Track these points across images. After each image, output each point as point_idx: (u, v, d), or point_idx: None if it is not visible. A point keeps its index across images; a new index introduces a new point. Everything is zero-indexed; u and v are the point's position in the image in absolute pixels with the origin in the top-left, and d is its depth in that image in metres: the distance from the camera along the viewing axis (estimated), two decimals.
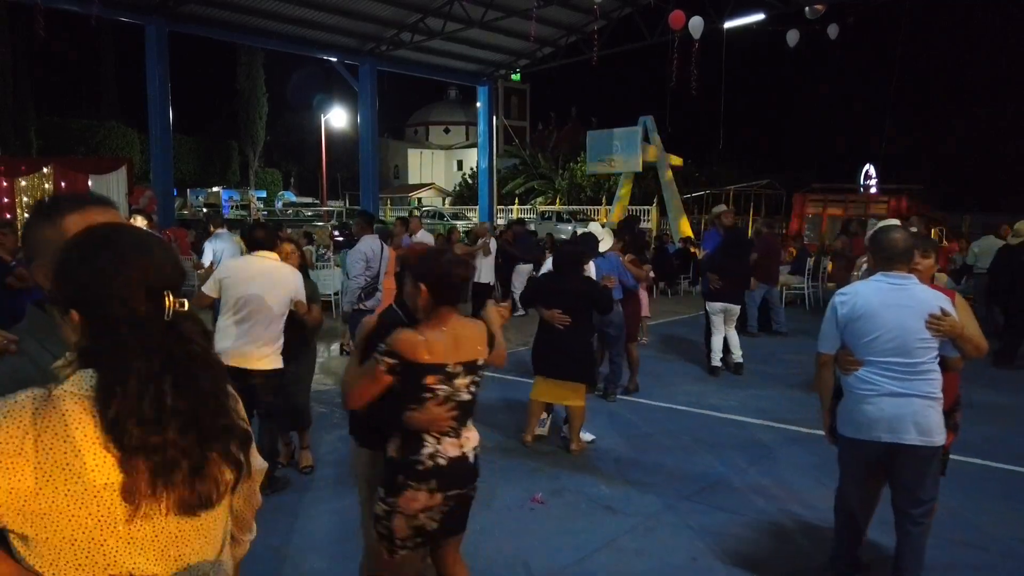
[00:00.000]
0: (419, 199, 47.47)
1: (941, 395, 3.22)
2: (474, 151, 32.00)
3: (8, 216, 12.48)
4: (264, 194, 29.00)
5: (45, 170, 13.65)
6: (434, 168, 55.15)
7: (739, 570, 3.73)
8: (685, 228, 19.77)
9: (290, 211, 31.88)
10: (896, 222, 4.47)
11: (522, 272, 12.26)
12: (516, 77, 25.57)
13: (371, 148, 19.79)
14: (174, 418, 1.14)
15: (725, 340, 8.20)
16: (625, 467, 5.27)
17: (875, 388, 3.22)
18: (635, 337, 7.22)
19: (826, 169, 30.92)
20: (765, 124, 52.00)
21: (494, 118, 22.84)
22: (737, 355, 8.22)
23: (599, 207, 27.72)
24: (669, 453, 5.58)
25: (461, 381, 2.66)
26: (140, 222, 7.42)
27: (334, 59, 18.92)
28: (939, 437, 3.21)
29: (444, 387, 2.61)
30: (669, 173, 20.37)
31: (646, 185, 26.03)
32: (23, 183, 13.39)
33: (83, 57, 34.09)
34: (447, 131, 57.72)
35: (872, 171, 23.16)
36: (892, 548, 3.44)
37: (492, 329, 2.85)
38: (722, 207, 9.14)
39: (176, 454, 1.15)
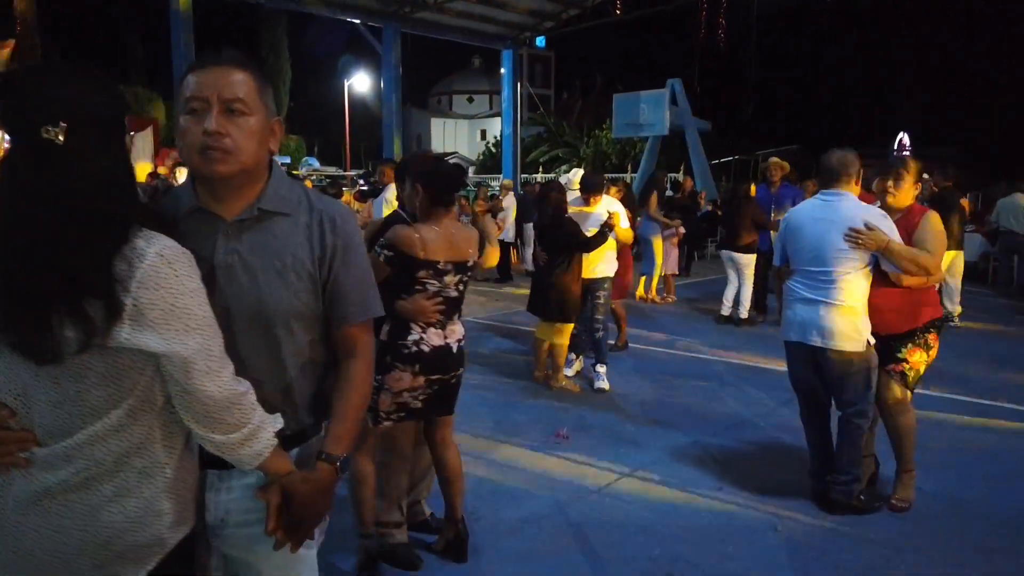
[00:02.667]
0: None
1: (853, 303, 3.39)
2: (498, 120, 31.75)
3: None
4: (288, 160, 29.07)
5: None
6: (457, 137, 54.92)
7: (766, 497, 3.71)
8: (712, 193, 19.53)
9: (314, 176, 31.95)
10: None
11: (528, 230, 12.18)
12: (540, 42, 25.23)
13: (394, 111, 19.71)
14: None
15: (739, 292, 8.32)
16: (650, 408, 5.25)
17: (794, 295, 3.56)
18: (623, 294, 7.16)
19: (858, 138, 30.32)
20: (795, 89, 50.79)
21: (518, 85, 22.57)
22: (741, 310, 8.27)
23: (624, 175, 27.47)
24: (695, 396, 5.56)
25: (450, 279, 2.93)
26: (183, 174, 7.52)
27: (357, 20, 18.79)
28: (844, 343, 3.38)
29: (434, 282, 2.89)
30: (696, 137, 20.08)
31: (673, 151, 25.71)
32: None
33: (108, 23, 34.09)
34: (471, 100, 57.33)
35: (906, 140, 22.66)
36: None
37: (486, 236, 2.99)
38: (773, 159, 8.87)
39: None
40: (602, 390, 5.61)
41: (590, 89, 47.92)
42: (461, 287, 2.99)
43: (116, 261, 1.21)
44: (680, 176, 23.12)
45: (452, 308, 2.96)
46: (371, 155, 41.28)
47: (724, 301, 8.43)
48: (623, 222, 5.71)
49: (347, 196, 15.20)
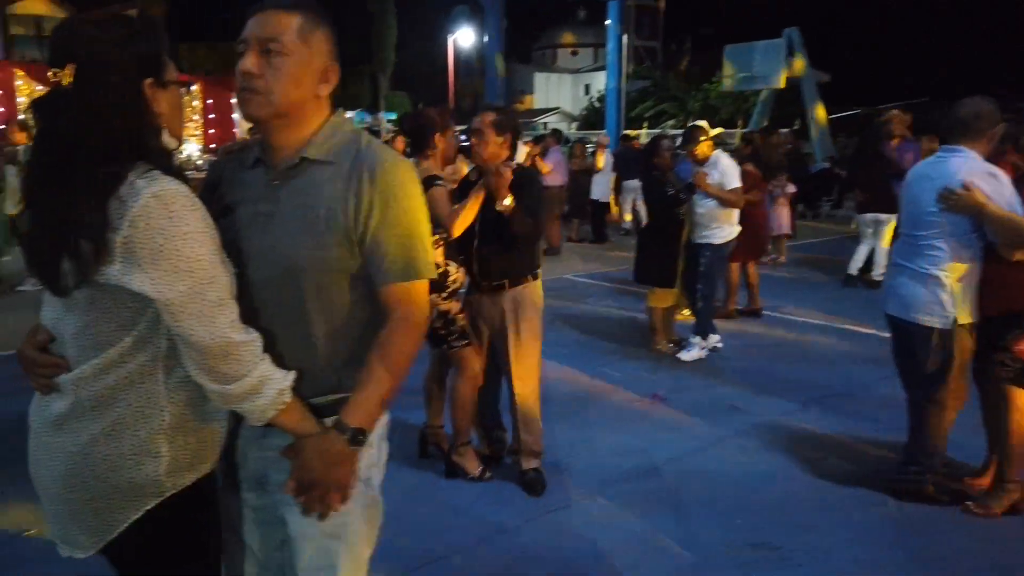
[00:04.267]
0: (544, 123, 46.95)
1: (941, 273, 3.04)
2: (602, 75, 31.00)
3: None
4: (394, 116, 29.58)
5: (193, 88, 14.46)
6: (560, 92, 54.13)
7: (868, 473, 3.52)
8: (829, 149, 18.45)
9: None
10: None
11: (629, 189, 11.84)
12: None
13: (497, 66, 19.61)
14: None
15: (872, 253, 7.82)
16: (751, 374, 5.08)
17: (891, 260, 3.39)
18: (756, 256, 6.81)
19: (999, 88, 27.69)
20: (925, 37, 46.71)
21: (624, 37, 21.91)
22: (876, 272, 7.74)
23: (735, 130, 26.35)
24: (799, 363, 5.34)
25: None
26: None
27: None
28: (923, 317, 3.08)
29: None
30: (813, 90, 18.94)
31: (786, 105, 24.38)
32: None
33: None
34: (575, 54, 56.23)
35: None
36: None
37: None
38: (892, 112, 8.24)
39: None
40: (680, 360, 5.32)
41: (700, 40, 45.93)
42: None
43: (111, 200, 1.23)
44: (786, 133, 22.04)
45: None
46: (474, 111, 41.26)
47: (853, 260, 7.96)
48: (732, 181, 5.26)
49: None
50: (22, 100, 11.35)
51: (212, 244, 1.31)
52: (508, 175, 3.04)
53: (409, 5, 35.92)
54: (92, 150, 1.24)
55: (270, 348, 1.42)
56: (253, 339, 1.35)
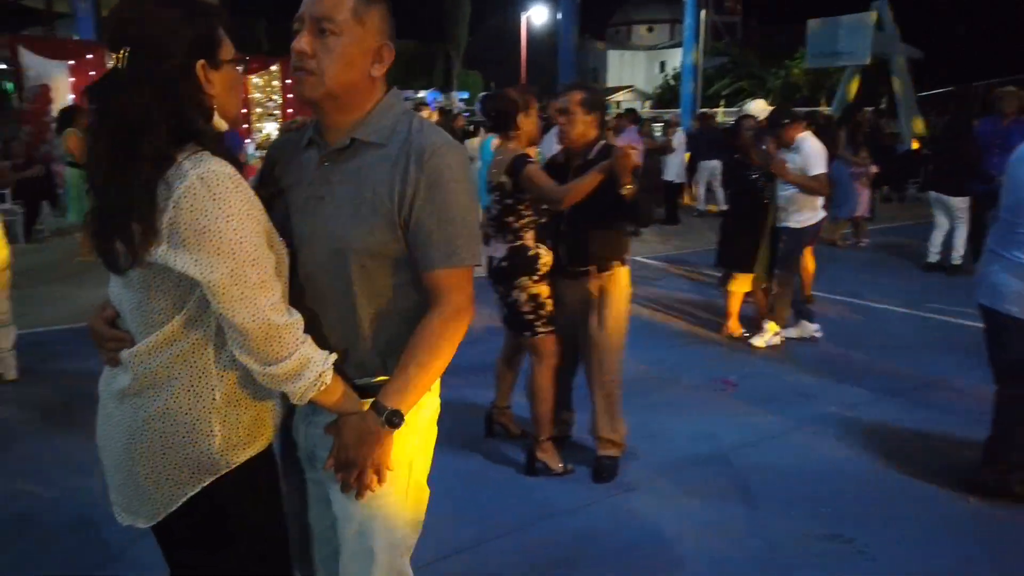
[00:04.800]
0: (617, 102, 46.26)
1: None
2: (678, 51, 30.21)
3: (244, 111, 13.83)
4: (467, 95, 29.66)
5: (273, 68, 14.84)
6: (634, 70, 53.14)
7: (949, 467, 3.37)
8: (918, 128, 17.53)
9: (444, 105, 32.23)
10: None
11: (704, 169, 11.54)
12: None
13: (571, 43, 19.37)
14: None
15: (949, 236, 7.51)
16: (829, 361, 4.94)
17: (986, 245, 3.17)
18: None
19: None
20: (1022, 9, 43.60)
21: (703, 12, 21.27)
22: (955, 256, 7.44)
23: (817, 108, 25.35)
24: (879, 352, 5.14)
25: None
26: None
27: None
28: (1016, 308, 2.93)
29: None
30: (903, 66, 17.98)
31: (872, 82, 23.27)
32: (254, 80, 14.69)
33: None
34: (650, 30, 55.07)
35: None
36: None
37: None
38: (1009, 88, 7.78)
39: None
40: (753, 347, 5.17)
41: (783, 14, 44.18)
42: (497, 207, 3.23)
43: (160, 182, 1.26)
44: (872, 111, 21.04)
45: (494, 225, 3.26)
46: (547, 90, 41.07)
47: (930, 246, 7.68)
48: (815, 166, 4.95)
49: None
50: None
51: (256, 225, 1.30)
52: (634, 158, 2.92)
53: None
54: (141, 133, 1.26)
55: (316, 328, 1.44)
56: (294, 321, 1.35)
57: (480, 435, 3.70)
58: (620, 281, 3.26)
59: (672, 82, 38.70)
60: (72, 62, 12.02)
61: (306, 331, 1.39)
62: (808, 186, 4.95)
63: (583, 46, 37.07)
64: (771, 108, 6.04)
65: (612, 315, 3.24)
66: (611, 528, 2.94)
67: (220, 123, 1.39)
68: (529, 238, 3.21)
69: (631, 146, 3.00)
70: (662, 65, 51.50)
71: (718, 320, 5.59)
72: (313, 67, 1.42)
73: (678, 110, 20.85)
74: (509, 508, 3.07)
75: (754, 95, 32.07)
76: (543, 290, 3.25)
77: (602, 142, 3.24)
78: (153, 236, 1.25)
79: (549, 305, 3.27)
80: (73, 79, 11.87)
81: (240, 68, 1.44)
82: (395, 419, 1.43)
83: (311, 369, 1.36)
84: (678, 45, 33.16)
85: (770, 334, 5.21)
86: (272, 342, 1.31)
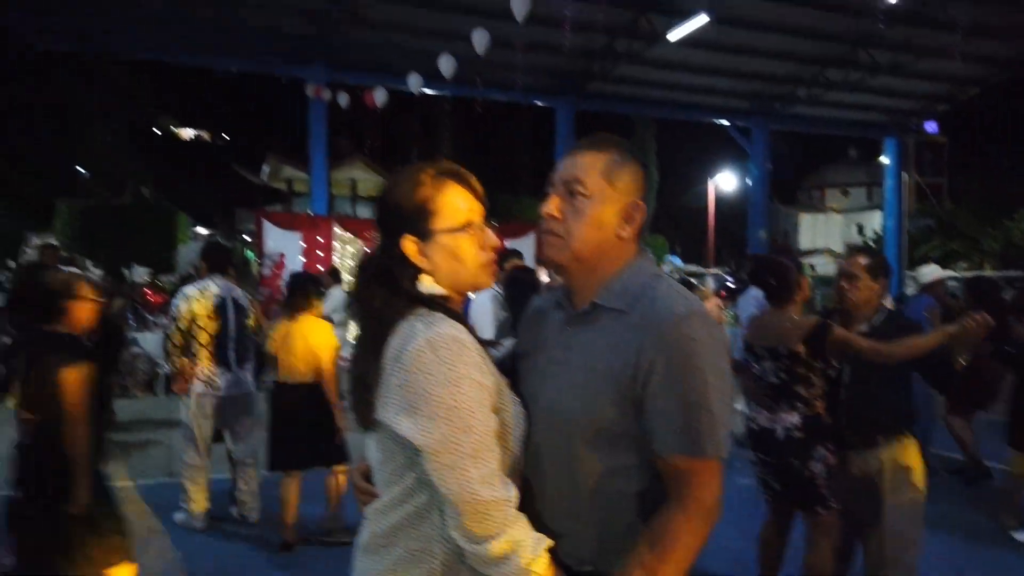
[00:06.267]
0: (811, 265, 44.66)
1: None
2: (876, 213, 29.06)
3: None
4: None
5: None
6: (828, 232, 51.45)
7: None
8: None
9: (676, 275, 32.42)
10: None
11: None
12: (932, 127, 22.58)
13: (761, 208, 19.26)
14: None
15: None
16: None
17: None
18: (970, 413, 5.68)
19: None
20: None
21: (903, 174, 20.44)
22: None
23: None
24: None
25: (767, 364, 3.20)
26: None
27: (726, 123, 18.97)
28: None
29: (754, 364, 3.30)
30: None
31: None
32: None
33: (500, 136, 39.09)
34: (845, 193, 53.60)
35: None
36: None
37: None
38: None
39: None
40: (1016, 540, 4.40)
41: (993, 170, 41.38)
42: (783, 375, 3.12)
43: (386, 346, 1.29)
44: None
45: (775, 394, 3.14)
46: (734, 253, 40.62)
47: None
48: None
49: (704, 292, 15.10)
50: (337, 247, 13.39)
51: (477, 392, 1.26)
52: (984, 330, 2.71)
53: (667, 150, 37.01)
54: (368, 304, 1.36)
55: (534, 504, 1.35)
56: (506, 498, 1.27)
57: None
58: (911, 456, 2.94)
59: (872, 244, 36.83)
60: (302, 232, 13.80)
61: (524, 507, 1.29)
62: None
63: (773, 209, 36.75)
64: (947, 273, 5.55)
65: (907, 501, 2.89)
66: None
67: (433, 287, 1.38)
68: (820, 407, 3.07)
69: (981, 316, 2.75)
70: (859, 228, 49.63)
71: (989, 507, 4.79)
72: (560, 230, 1.41)
73: None
74: None
75: (969, 257, 29.70)
76: (835, 462, 3.06)
77: (889, 309, 3.14)
78: (382, 397, 1.29)
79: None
80: (304, 246, 13.56)
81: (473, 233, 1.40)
82: None
83: (520, 555, 1.26)
84: (877, 207, 31.85)
85: None
86: (479, 517, 1.23)
